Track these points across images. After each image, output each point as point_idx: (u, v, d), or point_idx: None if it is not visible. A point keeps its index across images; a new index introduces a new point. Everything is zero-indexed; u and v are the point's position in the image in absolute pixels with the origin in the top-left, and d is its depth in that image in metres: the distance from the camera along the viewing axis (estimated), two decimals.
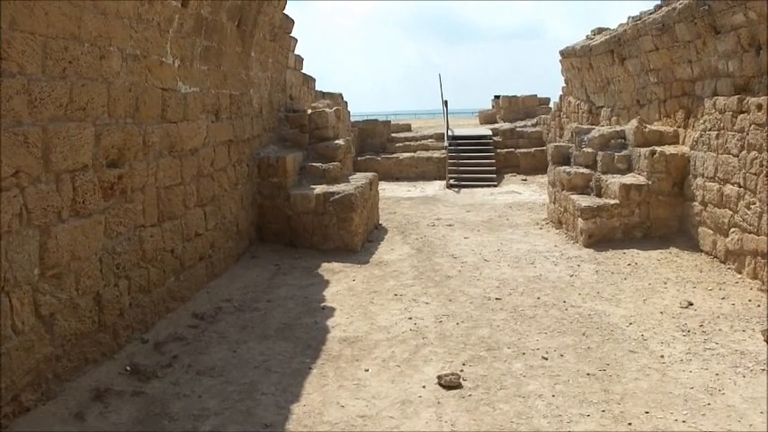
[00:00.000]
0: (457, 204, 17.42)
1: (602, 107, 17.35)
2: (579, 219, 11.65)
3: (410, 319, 8.00)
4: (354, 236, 11.47)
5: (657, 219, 11.62)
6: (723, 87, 10.35)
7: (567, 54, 19.49)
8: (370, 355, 6.89)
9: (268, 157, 11.80)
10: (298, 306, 8.62)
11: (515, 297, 8.81)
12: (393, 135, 25.98)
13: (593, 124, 16.52)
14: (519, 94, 29.58)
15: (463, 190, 20.34)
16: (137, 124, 7.34)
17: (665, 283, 9.22)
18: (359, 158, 23.69)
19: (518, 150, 23.76)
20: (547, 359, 6.67)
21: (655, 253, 10.79)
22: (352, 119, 25.94)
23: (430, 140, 25.12)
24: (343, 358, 6.83)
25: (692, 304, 8.25)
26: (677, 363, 6.53)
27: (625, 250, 11.04)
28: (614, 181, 11.78)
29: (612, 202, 11.57)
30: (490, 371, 6.42)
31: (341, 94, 22.35)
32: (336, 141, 13.31)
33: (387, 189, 20.66)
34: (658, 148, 11.65)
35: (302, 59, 15.74)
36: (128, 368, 6.57)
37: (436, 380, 6.12)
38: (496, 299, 8.73)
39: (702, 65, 11.08)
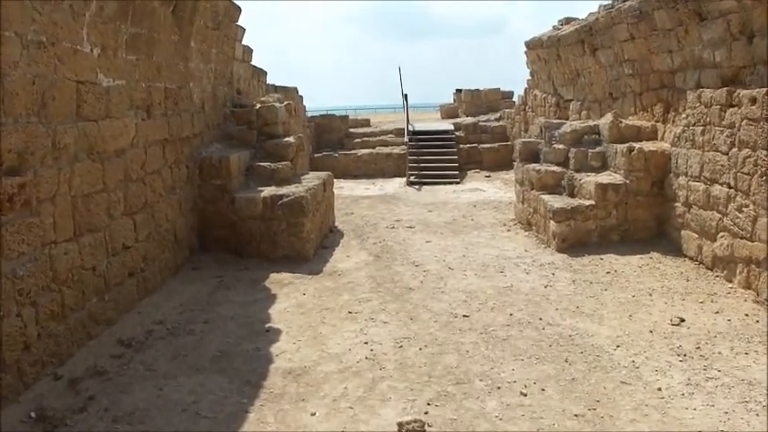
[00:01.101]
0: (418, 203, 16.44)
1: (570, 100, 16.47)
2: (551, 221, 10.72)
3: (366, 343, 6.94)
4: (306, 243, 10.40)
5: (636, 221, 10.74)
6: (708, 79, 9.47)
7: (533, 45, 18.60)
8: (318, 393, 5.84)
9: (210, 157, 10.67)
10: (239, 328, 7.54)
11: (485, 313, 7.82)
12: (351, 130, 24.96)
13: (561, 118, 15.62)
14: (482, 88, 28.72)
15: (424, 187, 19.42)
16: (44, 123, 6.19)
17: (651, 295, 8.31)
18: (315, 155, 22.77)
19: (481, 146, 22.96)
20: (526, 395, 5.68)
21: (634, 259, 9.90)
22: (312, 114, 24.88)
23: (389, 136, 24.12)
24: (286, 397, 5.77)
25: (683, 321, 7.34)
26: (678, 397, 5.58)
27: (602, 255, 10.13)
28: (589, 180, 10.87)
29: (587, 203, 10.65)
30: (460, 412, 5.40)
31: (296, 89, 21.23)
32: (287, 139, 12.21)
33: (344, 187, 19.73)
34: (636, 145, 10.76)
35: (251, 50, 14.58)
36: (32, 414, 5.47)
37: (396, 428, 5.08)
38: (464, 316, 7.73)
39: (684, 55, 10.19)
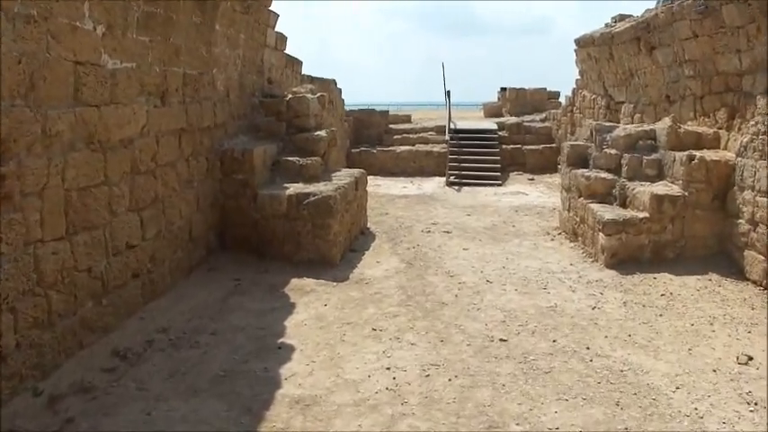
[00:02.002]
0: (457, 206, 15.58)
1: (622, 102, 15.47)
2: (600, 234, 9.80)
3: (388, 369, 6.12)
4: (332, 246, 9.63)
5: (693, 237, 9.78)
6: None
7: (583, 43, 17.60)
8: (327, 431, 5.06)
9: (232, 150, 9.93)
10: (249, 341, 6.78)
11: (525, 338, 6.96)
12: (391, 126, 24.17)
13: (611, 121, 14.65)
14: (527, 87, 27.73)
15: (464, 188, 18.55)
16: (31, 107, 5.48)
17: (712, 324, 7.38)
18: (353, 150, 22.08)
19: (525, 147, 22.04)
20: None
21: (691, 280, 8.96)
22: (351, 108, 24.15)
23: (430, 133, 23.28)
24: None
25: (751, 359, 6.41)
26: None
27: (655, 274, 9.20)
28: (643, 190, 9.93)
29: (641, 215, 9.71)
30: None
31: (333, 80, 20.45)
32: (318, 132, 11.43)
33: (381, 185, 18.95)
34: (697, 153, 9.79)
35: (285, 38, 13.82)
36: None
37: None
38: (501, 340, 6.88)
39: (755, 55, 9.23)
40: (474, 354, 6.53)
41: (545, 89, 27.69)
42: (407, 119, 26.49)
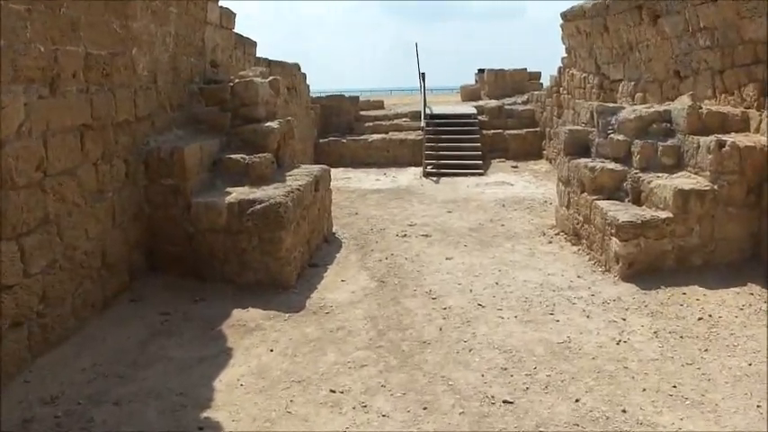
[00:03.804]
0: (436, 200, 13.81)
1: (619, 81, 13.70)
2: (614, 238, 8.04)
3: None
4: (284, 264, 7.79)
5: (724, 239, 8.06)
6: None
7: (571, 16, 15.82)
8: None
9: (159, 149, 8.04)
10: (161, 418, 4.93)
11: (537, 397, 5.18)
12: (362, 113, 22.32)
13: (605, 102, 12.86)
14: (506, 68, 25.99)
15: (443, 179, 16.81)
16: None
17: None
18: (321, 141, 20.29)
19: (507, 132, 20.39)
20: None
21: (729, 294, 7.26)
22: (321, 95, 22.33)
23: (404, 120, 21.45)
24: None
25: None
26: None
27: (683, 288, 7.49)
28: (663, 184, 8.18)
29: (663, 215, 7.96)
30: None
31: (296, 65, 18.52)
32: (268, 124, 9.53)
33: (352, 178, 17.22)
34: (728, 138, 8.05)
35: (233, 14, 11.86)
36: None
37: None
38: (505, 402, 5.09)
39: None
40: (469, 426, 4.74)
41: (526, 69, 26.04)
42: (380, 105, 24.62)
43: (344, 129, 21.43)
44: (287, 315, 7.08)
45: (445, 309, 7.20)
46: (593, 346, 6.11)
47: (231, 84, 9.88)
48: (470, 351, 6.06)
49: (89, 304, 6.70)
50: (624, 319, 6.72)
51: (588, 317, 6.82)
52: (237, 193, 8.07)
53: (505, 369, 5.67)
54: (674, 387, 5.28)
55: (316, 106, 20.98)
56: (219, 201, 7.85)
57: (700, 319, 6.67)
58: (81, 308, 6.54)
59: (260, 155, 8.91)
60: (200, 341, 6.40)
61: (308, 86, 19.99)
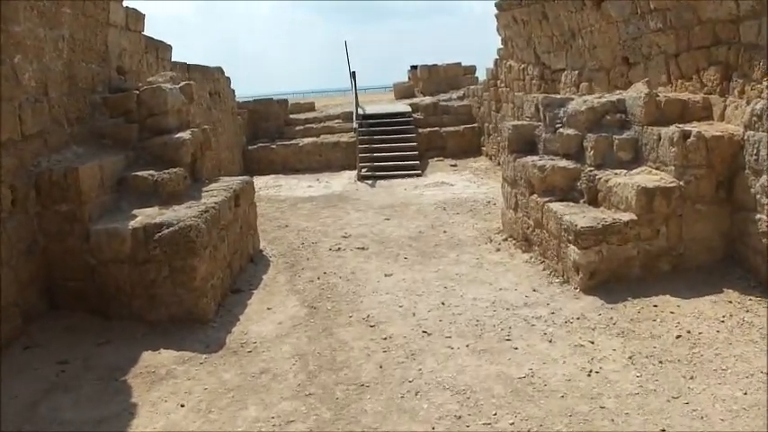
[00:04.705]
0: (372, 206, 12.82)
1: (562, 70, 12.87)
2: (572, 246, 7.13)
3: None
4: (200, 296, 6.67)
5: (693, 240, 7.22)
6: None
7: (507, 5, 14.97)
8: None
9: (50, 171, 6.83)
10: None
11: None
12: (292, 116, 21.25)
13: (547, 92, 12.01)
14: (439, 63, 25.17)
15: (379, 183, 15.85)
16: None
17: None
18: (250, 147, 19.13)
19: (443, 129, 19.59)
20: None
21: (705, 303, 6.42)
22: (248, 100, 21.20)
23: (336, 121, 20.44)
24: None
25: None
26: None
27: (654, 299, 6.63)
28: (624, 182, 7.30)
29: (626, 217, 7.07)
30: None
31: (219, 69, 17.29)
32: (180, 134, 8.37)
33: (283, 186, 16.19)
34: (692, 128, 7.21)
35: (141, 15, 10.60)
36: None
37: None
38: None
39: None
40: None
41: (460, 64, 25.26)
42: (311, 107, 23.54)
43: (274, 134, 20.36)
44: (204, 357, 5.99)
45: (386, 339, 6.18)
46: (560, 379, 5.16)
47: (138, 91, 8.69)
48: (417, 394, 5.06)
49: None
50: (592, 342, 5.80)
51: (550, 341, 5.88)
52: (144, 216, 6.92)
53: (460, 417, 4.68)
54: (664, 431, 4.35)
55: (243, 111, 19.85)
56: (122, 227, 6.68)
57: (678, 337, 5.78)
58: None
59: (170, 170, 7.77)
60: (101, 397, 5.28)
61: (233, 91, 18.80)
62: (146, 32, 11.02)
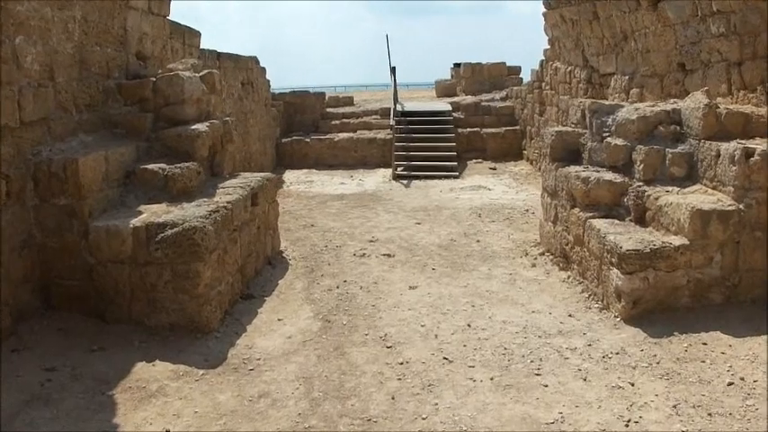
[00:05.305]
0: (404, 209, 12.24)
1: (611, 74, 12.13)
2: (615, 269, 6.45)
3: None
4: (203, 304, 6.13)
5: (750, 271, 6.50)
6: None
7: (555, 4, 14.24)
8: None
9: (49, 162, 6.33)
10: None
11: None
12: (329, 110, 20.75)
13: (594, 98, 11.29)
14: (484, 62, 24.47)
15: (414, 183, 15.31)
16: None
17: None
18: (283, 140, 18.73)
19: (484, 130, 18.95)
20: None
21: (760, 345, 5.71)
22: (285, 91, 20.78)
23: (374, 117, 19.89)
24: None
25: None
26: None
27: (703, 335, 5.93)
28: (677, 202, 6.60)
29: (677, 241, 6.38)
30: None
31: (254, 58, 16.76)
32: (195, 126, 7.83)
33: (315, 182, 15.70)
34: (756, 146, 6.49)
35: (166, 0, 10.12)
36: None
37: None
38: None
39: None
40: None
41: (504, 63, 24.54)
42: (349, 101, 23.00)
43: (310, 127, 19.94)
44: (200, 372, 5.46)
45: (402, 364, 5.59)
46: (593, 428, 4.51)
47: (154, 79, 8.18)
48: None
49: None
50: (632, 384, 5.13)
51: (585, 380, 5.23)
52: (149, 214, 6.41)
53: None
54: None
55: (278, 103, 19.37)
56: (123, 225, 6.17)
57: (729, 384, 5.10)
58: None
59: (182, 164, 7.25)
60: (82, 413, 4.76)
61: (269, 81, 18.29)
62: (192, 23, 10.48)
